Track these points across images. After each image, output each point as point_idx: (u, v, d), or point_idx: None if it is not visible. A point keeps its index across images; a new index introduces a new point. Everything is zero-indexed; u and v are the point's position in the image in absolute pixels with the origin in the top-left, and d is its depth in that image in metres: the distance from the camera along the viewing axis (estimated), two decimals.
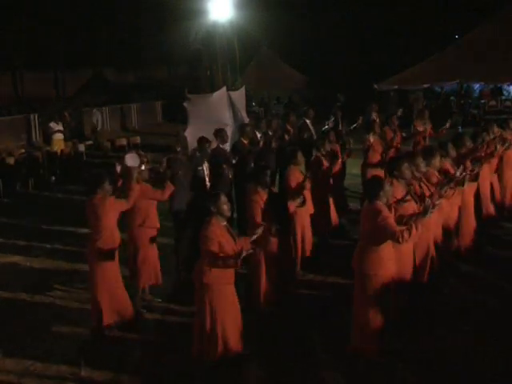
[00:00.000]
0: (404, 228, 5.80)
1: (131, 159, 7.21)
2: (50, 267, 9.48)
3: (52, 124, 18.05)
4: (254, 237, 6.11)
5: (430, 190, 7.27)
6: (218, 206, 5.96)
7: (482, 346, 6.37)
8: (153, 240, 7.64)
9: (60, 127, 18.00)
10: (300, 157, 8.49)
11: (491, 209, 9.75)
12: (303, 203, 8.01)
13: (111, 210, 6.79)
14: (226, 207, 6.02)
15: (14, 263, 9.76)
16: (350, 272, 6.26)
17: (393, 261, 6.05)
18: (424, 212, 5.99)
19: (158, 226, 7.71)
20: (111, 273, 6.86)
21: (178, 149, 8.69)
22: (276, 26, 32.55)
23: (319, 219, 9.01)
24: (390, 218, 5.91)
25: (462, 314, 7.14)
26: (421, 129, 12.18)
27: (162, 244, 8.24)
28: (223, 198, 6.03)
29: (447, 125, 12.10)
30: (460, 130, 20.96)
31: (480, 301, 7.49)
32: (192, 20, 20.84)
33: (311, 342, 6.64)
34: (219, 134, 10.18)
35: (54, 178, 16.72)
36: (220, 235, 5.92)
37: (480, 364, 6.02)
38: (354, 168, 11.77)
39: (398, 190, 6.69)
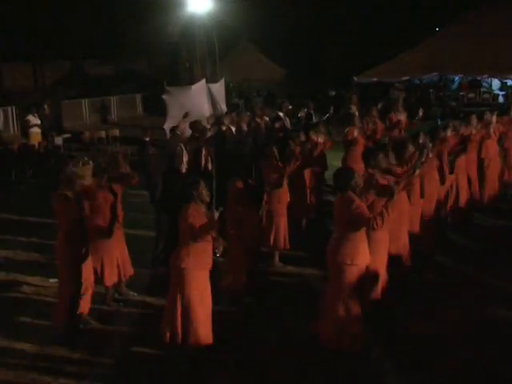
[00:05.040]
0: (376, 215, 5.88)
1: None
2: (26, 260, 9.40)
3: (30, 117, 17.82)
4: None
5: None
6: (198, 191, 6.08)
7: (456, 333, 6.47)
8: (116, 235, 7.38)
9: (37, 120, 17.79)
10: (275, 149, 8.52)
11: (464, 201, 9.81)
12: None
13: (71, 210, 6.74)
14: (205, 192, 6.17)
15: None
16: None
17: (367, 251, 6.10)
18: (390, 195, 6.04)
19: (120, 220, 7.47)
20: (80, 264, 6.81)
21: (147, 139, 8.65)
22: (255, 17, 32.43)
23: (295, 210, 9.05)
24: (363, 206, 5.99)
25: (438, 302, 7.22)
26: (395, 120, 12.25)
27: (138, 236, 8.21)
28: (203, 184, 6.19)
29: (420, 115, 12.17)
30: (439, 122, 21.12)
31: (454, 290, 7.58)
32: (171, 12, 20.69)
33: (287, 333, 6.66)
34: (194, 126, 10.36)
35: (31, 171, 16.54)
36: (198, 219, 5.99)
37: (454, 351, 6.09)
38: (334, 160, 11.78)
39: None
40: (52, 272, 8.44)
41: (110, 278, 7.35)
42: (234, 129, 11.16)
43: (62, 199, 6.70)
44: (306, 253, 8.90)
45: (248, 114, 12.63)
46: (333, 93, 24.84)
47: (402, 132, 12.18)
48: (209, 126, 10.70)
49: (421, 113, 12.19)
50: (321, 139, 10.15)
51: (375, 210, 6.23)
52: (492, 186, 10.67)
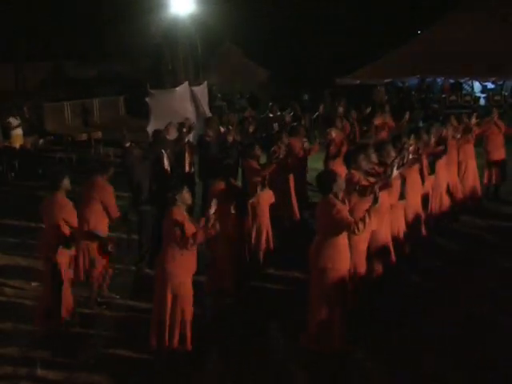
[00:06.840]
0: (358, 219, 5.90)
1: None
2: (8, 263, 9.33)
3: (11, 119, 17.64)
4: (211, 213, 6.14)
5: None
6: (181, 195, 6.13)
7: (443, 334, 6.51)
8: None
9: (19, 122, 17.63)
10: (257, 150, 8.55)
11: (446, 202, 9.87)
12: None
13: (69, 214, 6.80)
14: (188, 196, 6.25)
15: None
16: None
17: (348, 254, 6.13)
18: (374, 201, 6.07)
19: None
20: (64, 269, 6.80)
21: (127, 144, 8.65)
22: (238, 20, 32.39)
23: (280, 212, 9.07)
24: (345, 210, 5.99)
25: (423, 303, 7.28)
26: (378, 123, 12.29)
27: (121, 238, 8.21)
28: (186, 188, 6.25)
29: (406, 117, 12.25)
30: (421, 124, 21.25)
31: (439, 291, 7.65)
32: (153, 13, 20.67)
33: (269, 334, 6.69)
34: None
35: (12, 173, 16.41)
36: (183, 222, 6.02)
37: (442, 351, 6.15)
38: (316, 162, 11.82)
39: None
40: (34, 275, 8.41)
41: (98, 278, 7.45)
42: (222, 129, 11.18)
43: (57, 204, 6.74)
44: (290, 254, 8.91)
45: (235, 115, 12.67)
46: (306, 96, 24.80)
47: (387, 134, 12.24)
48: (185, 130, 10.67)
49: (407, 116, 12.27)
50: (300, 142, 10.20)
51: (357, 213, 6.27)
52: (471, 187, 10.75)
